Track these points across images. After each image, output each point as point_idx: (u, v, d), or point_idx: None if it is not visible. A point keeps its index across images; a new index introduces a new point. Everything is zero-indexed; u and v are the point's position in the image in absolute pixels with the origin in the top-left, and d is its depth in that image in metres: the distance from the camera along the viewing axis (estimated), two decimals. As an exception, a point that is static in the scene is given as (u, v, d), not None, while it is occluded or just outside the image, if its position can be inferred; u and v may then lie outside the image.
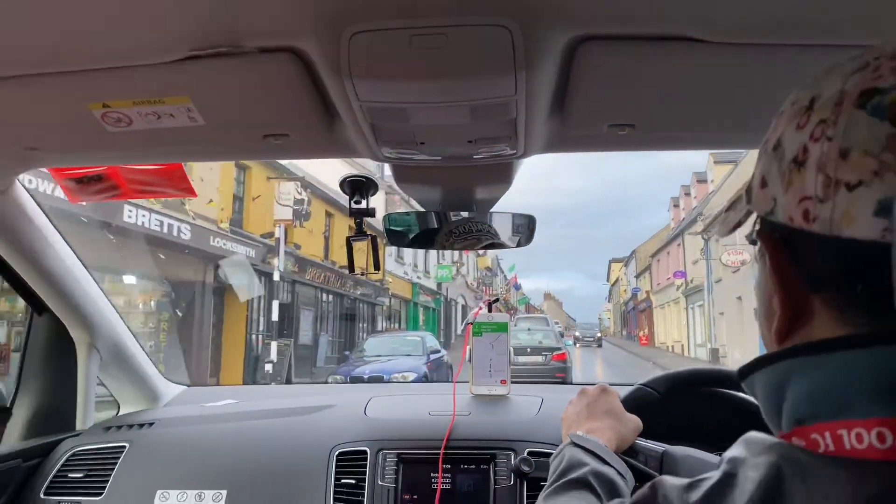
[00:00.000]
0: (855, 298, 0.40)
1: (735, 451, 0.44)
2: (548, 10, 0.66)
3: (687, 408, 1.14)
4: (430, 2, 0.65)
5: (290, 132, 0.93)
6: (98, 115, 0.86)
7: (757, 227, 0.48)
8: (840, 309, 0.42)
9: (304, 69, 0.77)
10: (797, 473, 0.39)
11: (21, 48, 0.74)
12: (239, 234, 11.79)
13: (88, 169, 1.18)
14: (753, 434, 0.45)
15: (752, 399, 0.79)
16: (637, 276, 39.97)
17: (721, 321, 20.34)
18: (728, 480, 0.42)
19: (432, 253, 30.12)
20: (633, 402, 1.09)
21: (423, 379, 10.05)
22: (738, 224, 0.53)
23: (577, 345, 32.04)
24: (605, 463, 0.79)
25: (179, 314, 10.56)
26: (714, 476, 0.44)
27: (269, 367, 11.29)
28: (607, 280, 65.23)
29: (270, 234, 12.52)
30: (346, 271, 18.94)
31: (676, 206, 31.45)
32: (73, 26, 0.70)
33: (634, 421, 0.98)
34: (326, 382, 8.84)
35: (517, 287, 49.68)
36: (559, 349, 13.12)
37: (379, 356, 11.32)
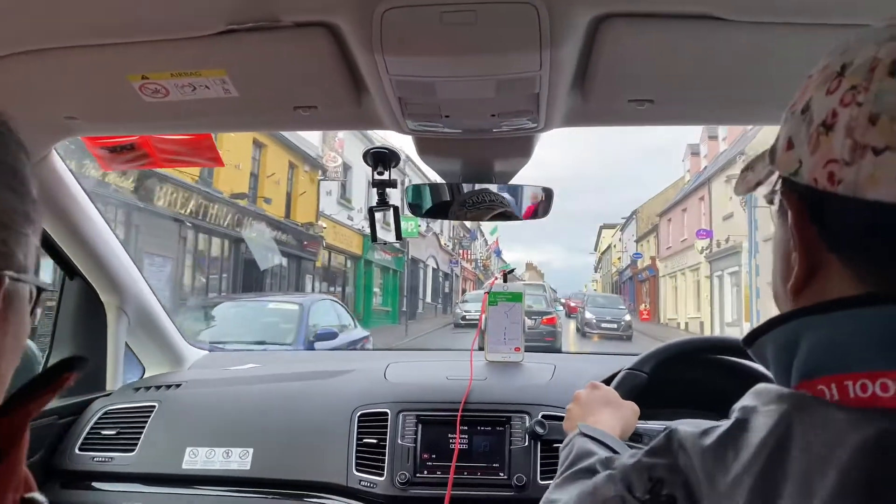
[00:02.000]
0: (871, 258, 0.45)
1: (746, 400, 0.49)
2: None
3: (677, 380, 1.27)
4: None
5: (319, 105, 1.01)
6: (136, 86, 0.93)
7: (779, 186, 0.52)
8: (856, 268, 0.46)
9: (336, 44, 0.83)
10: (806, 419, 0.43)
11: (63, 20, 0.80)
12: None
13: (121, 138, 1.28)
14: (764, 385, 0.49)
15: (737, 360, 1.29)
16: (638, 241, 35.01)
17: (768, 293, 13.59)
18: (740, 426, 0.47)
19: (395, 196, 22.32)
20: (625, 388, 1.18)
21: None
22: (759, 183, 0.56)
23: (589, 334, 20.05)
24: (613, 451, 0.83)
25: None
26: (726, 423, 0.49)
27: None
28: (595, 249, 61.65)
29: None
30: (241, 202, 13.45)
31: (696, 153, 28.78)
32: None
33: (631, 406, 1.06)
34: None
35: (498, 253, 43.78)
36: (549, 313, 13.73)
37: (221, 343, 6.02)
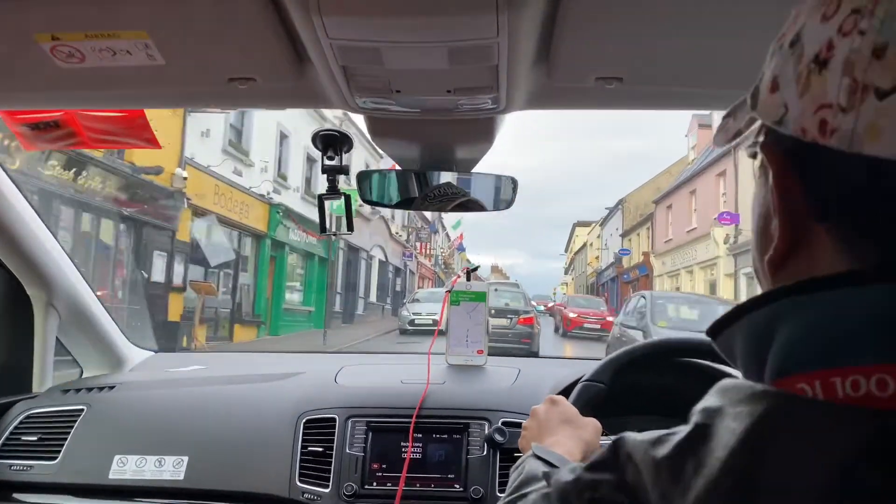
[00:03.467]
0: (868, 228, 0.39)
1: (708, 401, 0.43)
2: None
3: (642, 386, 1.26)
4: None
5: (256, 76, 0.95)
6: (47, 47, 0.87)
7: (761, 137, 0.47)
8: (848, 240, 0.40)
9: (270, 3, 0.78)
10: (787, 422, 0.37)
11: None
12: None
13: (44, 114, 1.25)
14: (731, 381, 0.43)
15: (700, 362, 1.26)
16: (624, 236, 30.20)
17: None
18: (701, 432, 0.41)
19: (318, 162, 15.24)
20: (584, 402, 1.16)
21: None
22: (738, 133, 0.50)
23: None
24: None
25: None
26: (684, 429, 0.42)
27: None
28: (567, 249, 56.16)
29: None
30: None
31: (705, 125, 24.08)
32: None
33: (593, 423, 1.02)
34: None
35: (461, 249, 38.55)
36: (527, 313, 12.74)
37: None
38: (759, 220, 0.47)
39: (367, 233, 22.80)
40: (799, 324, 0.39)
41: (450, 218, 37.66)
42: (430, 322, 15.41)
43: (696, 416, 0.42)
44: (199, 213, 12.07)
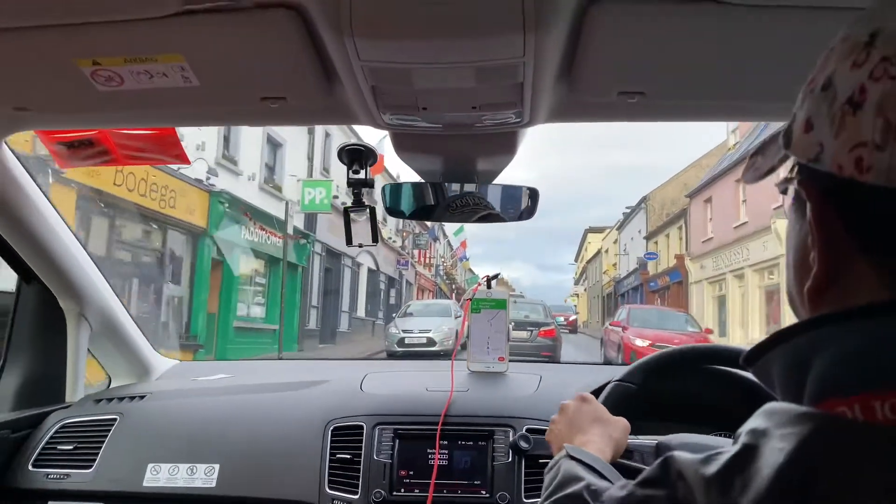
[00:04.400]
0: None
1: (754, 422, 0.47)
2: None
3: (669, 390, 1.32)
4: None
5: (287, 95, 1.03)
6: (87, 72, 0.94)
7: (795, 175, 0.51)
8: (889, 271, 0.44)
9: (303, 26, 0.84)
10: (836, 443, 0.41)
11: None
12: None
13: (79, 133, 1.33)
14: (777, 404, 0.47)
15: (734, 371, 1.21)
16: (649, 238, 26.94)
17: None
18: (749, 452, 0.45)
19: (289, 145, 15.59)
20: (614, 401, 1.22)
21: None
22: (771, 170, 0.54)
23: None
24: (602, 477, 0.83)
25: None
26: (732, 449, 0.47)
27: None
28: (576, 258, 53.62)
29: None
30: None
31: None
32: None
33: (622, 422, 1.09)
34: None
35: (464, 258, 35.39)
36: (548, 325, 12.22)
37: None
38: (796, 252, 0.50)
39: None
40: (840, 350, 0.42)
41: (450, 226, 34.55)
42: (425, 341, 14.18)
43: (743, 436, 0.45)
44: (85, 195, 8.92)
